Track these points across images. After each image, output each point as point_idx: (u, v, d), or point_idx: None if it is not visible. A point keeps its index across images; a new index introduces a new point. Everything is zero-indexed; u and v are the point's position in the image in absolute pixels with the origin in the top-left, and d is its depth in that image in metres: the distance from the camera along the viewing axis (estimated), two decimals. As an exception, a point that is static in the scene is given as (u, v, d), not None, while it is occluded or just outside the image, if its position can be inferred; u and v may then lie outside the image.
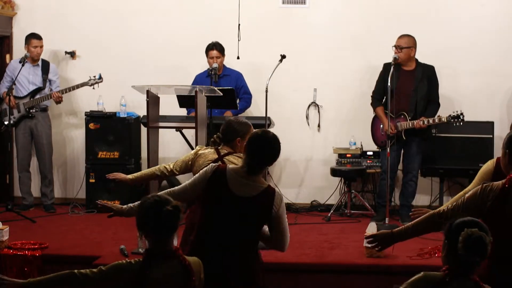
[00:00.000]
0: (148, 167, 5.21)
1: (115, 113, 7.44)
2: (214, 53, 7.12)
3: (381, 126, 6.86)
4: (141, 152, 7.57)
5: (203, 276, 3.15)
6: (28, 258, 5.50)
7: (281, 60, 6.80)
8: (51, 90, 7.33)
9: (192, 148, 5.59)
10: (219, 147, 4.41)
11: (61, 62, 7.90)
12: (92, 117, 7.44)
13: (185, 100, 6.66)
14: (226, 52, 7.19)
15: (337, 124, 7.70)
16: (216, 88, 5.96)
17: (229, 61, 7.29)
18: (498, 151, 4.81)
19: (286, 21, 7.68)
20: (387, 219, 6.41)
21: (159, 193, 3.30)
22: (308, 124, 7.74)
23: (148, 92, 5.68)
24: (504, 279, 3.25)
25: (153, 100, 5.79)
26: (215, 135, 4.46)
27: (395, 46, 6.74)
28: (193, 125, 5.72)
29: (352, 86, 7.61)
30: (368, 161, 7.34)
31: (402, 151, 6.92)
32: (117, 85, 7.48)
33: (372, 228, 5.49)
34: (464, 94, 7.49)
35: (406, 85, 6.74)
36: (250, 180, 3.51)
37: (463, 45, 7.48)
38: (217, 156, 4.36)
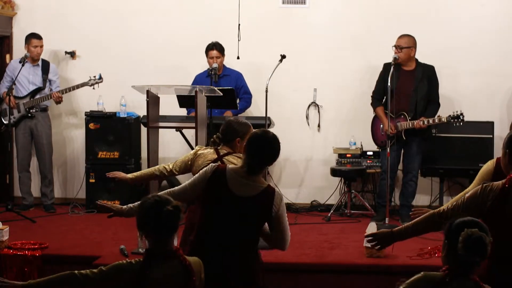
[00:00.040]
0: (148, 167, 5.21)
1: (115, 113, 7.44)
2: (214, 53, 7.12)
3: (381, 126, 6.86)
4: (141, 152, 7.57)
5: (203, 276, 3.16)
6: (28, 258, 5.50)
7: (281, 60, 6.80)
8: (51, 90, 7.33)
9: (192, 148, 5.58)
10: (219, 147, 4.41)
11: (61, 62, 7.90)
12: (92, 117, 7.44)
13: (185, 100, 6.66)
14: (226, 52, 7.19)
15: (337, 124, 7.70)
16: (216, 88, 5.96)
17: (229, 61, 7.29)
18: (498, 151, 4.81)
19: (286, 21, 7.68)
20: (387, 219, 6.41)
21: (159, 193, 3.30)
22: (308, 124, 7.74)
23: (148, 92, 5.68)
24: (504, 279, 3.26)
25: (153, 100, 5.79)
26: (214, 135, 4.46)
27: (395, 46, 6.74)
28: (193, 125, 5.72)
29: (352, 86, 7.61)
30: (368, 161, 7.34)
31: (402, 151, 6.92)
32: (117, 85, 7.48)
33: (372, 228, 5.49)
34: (464, 94, 7.49)
35: (406, 85, 6.74)
36: (250, 180, 3.51)
37: (463, 45, 7.48)
38: (216, 156, 4.36)
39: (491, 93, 7.49)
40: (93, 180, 7.39)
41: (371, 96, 6.99)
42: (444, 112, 6.74)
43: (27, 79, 7.33)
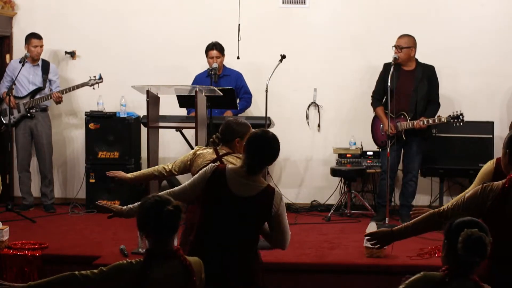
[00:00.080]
0: (148, 167, 5.21)
1: (115, 113, 7.44)
2: (214, 53, 7.12)
3: (381, 126, 6.86)
4: (141, 152, 7.57)
5: (204, 276, 3.16)
6: (28, 258, 5.50)
7: (281, 60, 6.80)
8: (51, 90, 7.33)
9: (192, 148, 5.59)
10: (218, 147, 4.41)
11: (61, 62, 7.90)
12: (92, 117, 7.44)
13: (185, 100, 6.66)
14: (226, 52, 7.19)
15: (337, 124, 7.70)
16: (216, 88, 5.96)
17: (229, 61, 7.29)
18: (498, 151, 4.81)
19: (286, 21, 7.68)
20: (387, 219, 6.41)
21: (159, 193, 3.30)
22: (308, 124, 7.74)
23: (148, 92, 5.68)
24: (504, 279, 3.26)
25: (153, 100, 5.79)
26: (214, 135, 4.47)
27: (395, 46, 6.74)
28: (193, 125, 5.72)
29: (352, 86, 7.61)
30: (368, 161, 7.34)
31: (402, 151, 6.92)
32: (117, 85, 7.48)
33: (372, 228, 5.49)
34: (464, 94, 7.49)
35: (406, 85, 6.75)
36: (250, 180, 3.51)
37: (463, 45, 7.48)
38: (215, 156, 4.36)
39: (491, 93, 7.49)
40: (93, 180, 7.39)
41: (371, 96, 6.99)
42: (444, 112, 6.74)
43: (27, 79, 7.33)
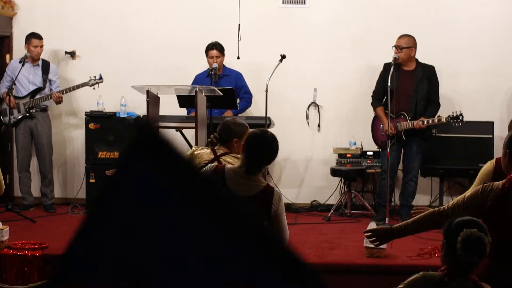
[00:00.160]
0: (148, 167, 5.20)
1: (115, 113, 7.44)
2: (214, 52, 7.12)
3: (381, 126, 6.86)
4: (141, 152, 7.55)
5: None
6: (28, 258, 5.50)
7: (281, 60, 6.81)
8: (51, 90, 7.33)
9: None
10: (216, 147, 4.41)
11: (61, 62, 7.90)
12: (92, 117, 7.44)
13: (185, 100, 6.66)
14: (226, 52, 7.19)
15: (337, 124, 7.70)
16: (216, 88, 5.97)
17: (229, 61, 7.29)
18: (498, 151, 4.82)
19: (286, 21, 7.68)
20: (387, 219, 6.41)
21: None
22: (308, 124, 7.74)
23: (148, 92, 5.69)
24: (504, 279, 3.26)
25: (153, 100, 5.80)
26: (212, 135, 4.47)
27: (395, 46, 6.74)
28: (193, 125, 5.73)
29: (352, 86, 7.61)
30: (368, 161, 7.34)
31: (402, 151, 6.92)
32: (117, 85, 7.48)
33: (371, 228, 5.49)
34: (464, 94, 7.49)
35: (406, 85, 6.74)
36: (249, 179, 3.51)
37: (463, 45, 7.48)
38: (213, 156, 4.36)
39: (491, 93, 7.49)
40: (93, 180, 7.38)
41: (371, 96, 6.99)
42: (444, 112, 6.74)
43: (27, 79, 7.33)
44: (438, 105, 6.84)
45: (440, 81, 6.92)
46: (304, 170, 7.77)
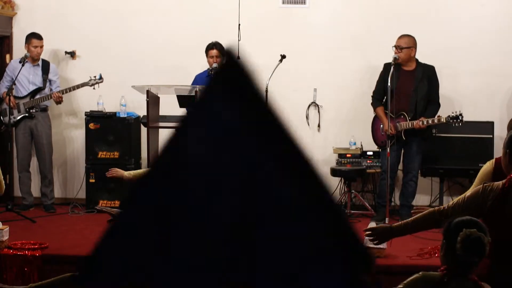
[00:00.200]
0: (148, 167, 5.21)
1: (115, 113, 7.44)
2: (214, 52, 7.12)
3: (381, 126, 6.86)
4: (141, 152, 7.57)
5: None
6: (28, 258, 5.50)
7: (281, 60, 6.81)
8: (51, 90, 7.33)
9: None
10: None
11: (61, 62, 7.90)
12: (92, 117, 7.44)
13: (185, 100, 6.66)
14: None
15: (337, 124, 7.70)
16: (216, 88, 5.96)
17: (229, 61, 7.28)
18: (498, 151, 4.82)
19: (286, 21, 7.68)
20: (387, 219, 6.41)
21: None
22: (308, 124, 7.74)
23: (148, 92, 5.69)
24: (504, 279, 3.26)
25: (153, 100, 5.80)
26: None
27: (395, 46, 6.74)
28: (193, 125, 5.72)
29: (352, 86, 7.60)
30: (368, 161, 7.34)
31: (402, 151, 6.92)
32: (117, 85, 7.48)
33: (372, 228, 5.49)
34: (464, 94, 7.49)
35: (406, 85, 6.74)
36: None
37: (463, 45, 7.48)
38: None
39: (491, 93, 7.49)
40: (93, 180, 7.39)
41: (371, 96, 6.99)
42: (444, 112, 6.74)
43: (27, 79, 7.33)
44: (438, 105, 6.83)
45: (440, 81, 6.92)
46: (304, 170, 7.75)
